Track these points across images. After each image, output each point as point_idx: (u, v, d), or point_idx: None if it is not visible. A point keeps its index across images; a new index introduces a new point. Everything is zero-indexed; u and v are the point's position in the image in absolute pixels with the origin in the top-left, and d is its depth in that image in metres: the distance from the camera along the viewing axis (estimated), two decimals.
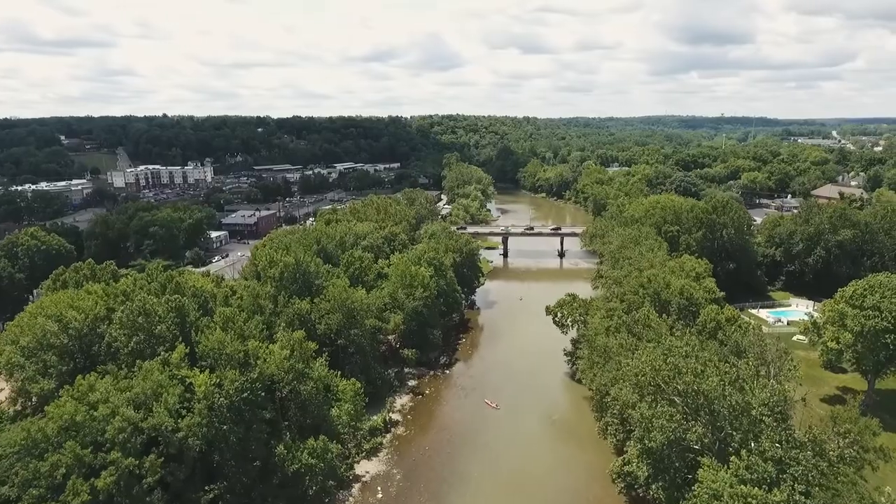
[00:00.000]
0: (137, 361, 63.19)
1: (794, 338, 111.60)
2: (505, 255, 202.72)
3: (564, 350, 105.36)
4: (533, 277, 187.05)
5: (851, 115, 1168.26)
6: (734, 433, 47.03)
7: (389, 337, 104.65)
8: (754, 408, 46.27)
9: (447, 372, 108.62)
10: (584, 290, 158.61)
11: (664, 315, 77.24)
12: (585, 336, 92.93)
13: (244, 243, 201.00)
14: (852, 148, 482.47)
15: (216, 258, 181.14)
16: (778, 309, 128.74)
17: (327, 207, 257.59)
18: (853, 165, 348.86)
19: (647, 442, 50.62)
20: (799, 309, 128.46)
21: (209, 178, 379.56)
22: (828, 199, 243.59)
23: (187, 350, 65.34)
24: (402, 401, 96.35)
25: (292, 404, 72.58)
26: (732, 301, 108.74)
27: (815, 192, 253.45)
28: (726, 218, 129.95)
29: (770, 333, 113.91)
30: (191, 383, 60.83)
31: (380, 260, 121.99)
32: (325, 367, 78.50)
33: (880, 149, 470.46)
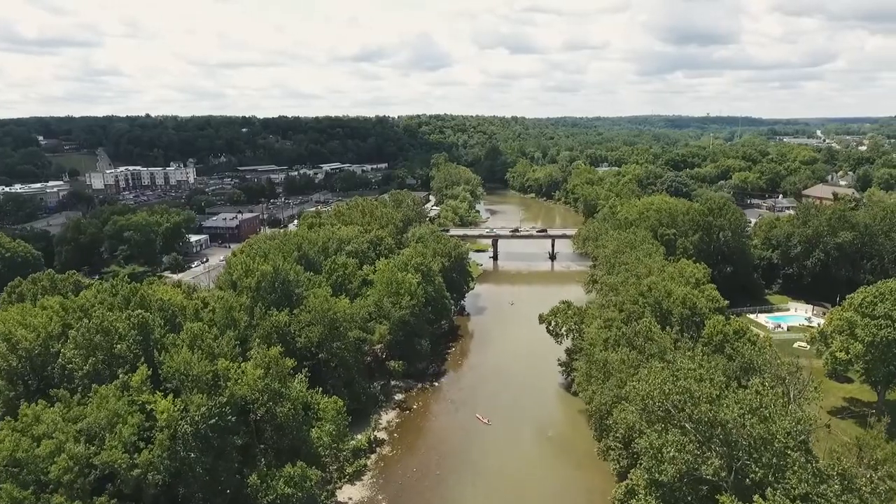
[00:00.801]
0: (94, 385, 57.16)
1: (796, 345, 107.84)
2: (495, 257, 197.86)
3: (559, 360, 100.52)
4: (524, 280, 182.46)
5: (833, 115, 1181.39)
6: (755, 466, 42.21)
7: (375, 348, 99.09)
8: (777, 439, 41.51)
9: (436, 384, 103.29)
10: (577, 294, 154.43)
11: (666, 327, 72.46)
12: (582, 347, 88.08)
13: (226, 247, 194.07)
14: (837, 147, 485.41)
15: (195, 263, 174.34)
16: (776, 314, 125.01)
17: (312, 209, 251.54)
18: (841, 164, 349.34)
19: (656, 474, 45.69)
20: (798, 313, 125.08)
21: (192, 180, 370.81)
22: (820, 199, 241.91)
23: (150, 372, 59.38)
24: (389, 417, 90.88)
25: (268, 427, 66.80)
26: (730, 306, 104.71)
27: (806, 191, 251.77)
28: (723, 220, 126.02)
29: (771, 340, 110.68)
30: (152, 410, 54.97)
31: (365, 266, 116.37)
32: (304, 384, 72.81)
33: (865, 148, 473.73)
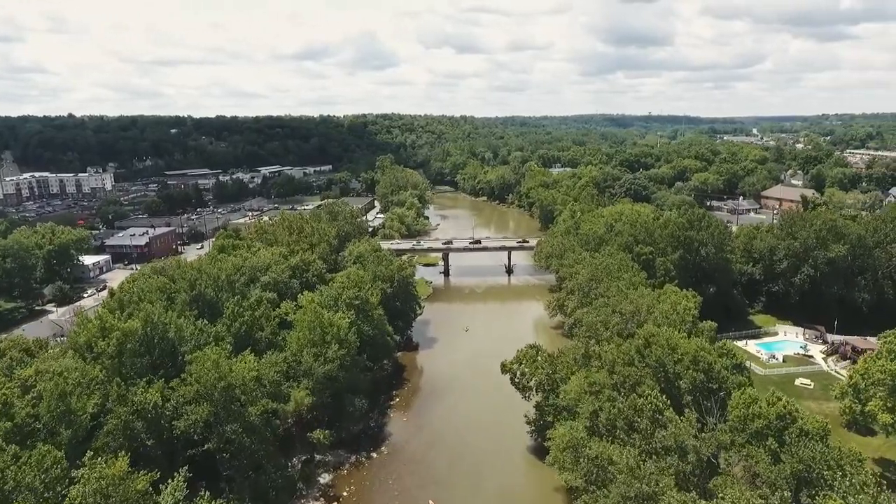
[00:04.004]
0: None
1: (798, 382, 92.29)
2: (446, 273, 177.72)
3: (526, 417, 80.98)
4: (479, 298, 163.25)
5: (763, 114, 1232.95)
6: None
7: (291, 418, 76.52)
8: None
9: (374, 455, 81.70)
10: (537, 311, 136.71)
11: (677, 394, 53.69)
12: (558, 409, 68.84)
13: (132, 269, 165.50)
14: (773, 144, 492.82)
15: (89, 292, 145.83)
16: (765, 339, 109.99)
17: (240, 221, 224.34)
18: (789, 163, 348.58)
19: None
20: (789, 338, 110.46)
21: (108, 187, 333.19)
22: (779, 201, 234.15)
23: None
24: None
25: None
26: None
27: (765, 192, 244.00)
28: (705, 234, 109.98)
29: (768, 377, 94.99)
30: None
31: (285, 302, 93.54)
32: (182, 490, 50.36)
33: (801, 146, 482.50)
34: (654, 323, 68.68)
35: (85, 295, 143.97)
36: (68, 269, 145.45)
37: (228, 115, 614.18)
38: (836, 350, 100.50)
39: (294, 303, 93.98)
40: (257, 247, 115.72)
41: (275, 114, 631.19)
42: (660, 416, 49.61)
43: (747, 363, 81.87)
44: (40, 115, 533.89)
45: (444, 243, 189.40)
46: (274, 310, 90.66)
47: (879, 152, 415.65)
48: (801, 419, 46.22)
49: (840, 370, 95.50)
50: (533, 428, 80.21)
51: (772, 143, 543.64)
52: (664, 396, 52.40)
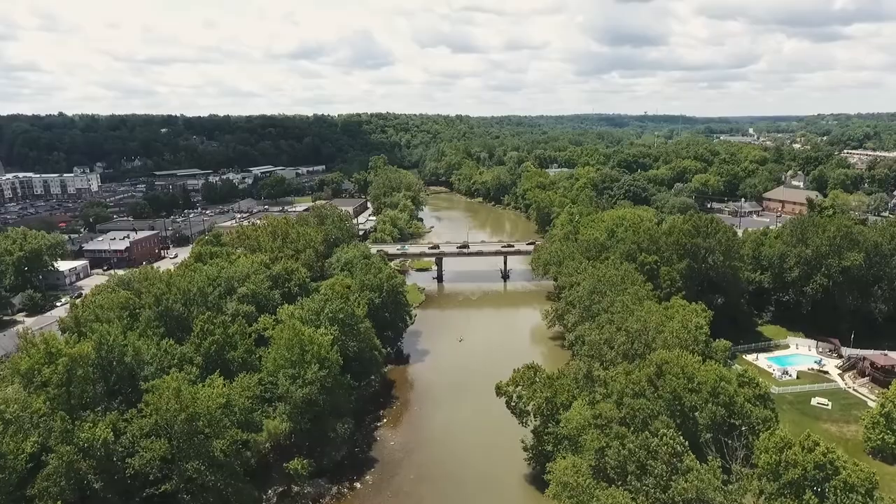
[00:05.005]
0: None
1: (815, 401, 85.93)
2: (440, 279, 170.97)
3: (523, 443, 74.42)
4: (474, 305, 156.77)
5: (757, 114, 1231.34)
6: None
7: (264, 447, 69.71)
8: None
9: (357, 485, 74.99)
10: (534, 319, 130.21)
11: (694, 429, 47.21)
12: (558, 438, 62.35)
13: (112, 275, 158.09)
14: (771, 144, 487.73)
15: (63, 300, 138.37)
16: (776, 353, 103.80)
17: (228, 223, 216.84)
18: (789, 164, 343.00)
19: None
20: (801, 351, 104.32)
21: (95, 188, 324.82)
22: (781, 203, 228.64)
23: None
24: None
25: None
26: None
27: (767, 194, 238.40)
28: (713, 241, 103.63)
29: (782, 396, 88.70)
30: None
31: (263, 316, 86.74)
32: None
33: (798, 146, 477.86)
34: (664, 343, 62.33)
35: (58, 303, 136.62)
36: (40, 277, 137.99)
37: (225, 114, 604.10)
38: (854, 365, 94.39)
39: (273, 316, 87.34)
40: (237, 254, 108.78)
41: (271, 113, 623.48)
42: (677, 461, 43.22)
43: (759, 380, 76.05)
44: (35, 114, 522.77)
45: (430, 247, 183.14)
46: (250, 325, 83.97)
47: (878, 153, 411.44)
48: (845, 469, 39.83)
49: (858, 388, 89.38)
50: (531, 455, 73.76)
51: (769, 142, 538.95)
52: (681, 434, 45.95)
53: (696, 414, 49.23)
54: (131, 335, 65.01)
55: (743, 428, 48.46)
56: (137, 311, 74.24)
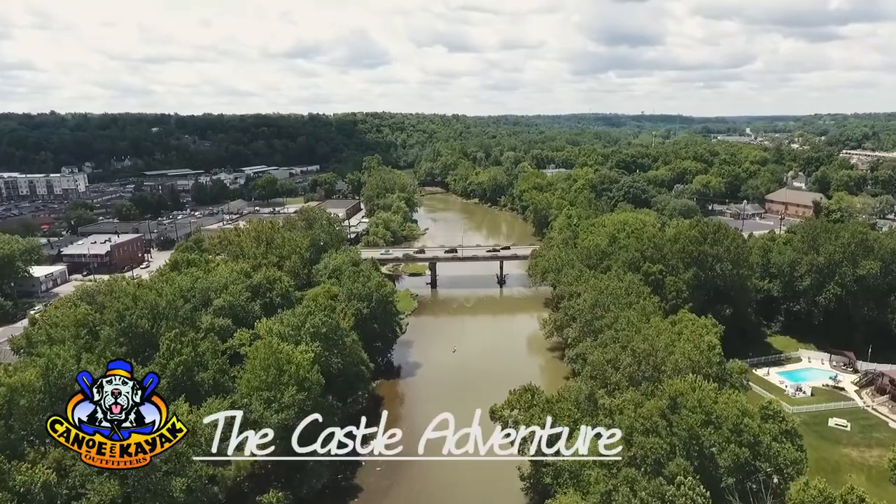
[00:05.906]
0: None
1: (832, 422, 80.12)
2: (433, 285, 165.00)
3: (520, 472, 68.52)
4: (468, 312, 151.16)
5: (754, 114, 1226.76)
6: None
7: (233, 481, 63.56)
8: None
9: None
10: (531, 328, 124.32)
11: (713, 472, 41.20)
12: (558, 471, 56.38)
13: (91, 281, 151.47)
14: (769, 144, 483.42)
15: (38, 307, 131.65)
16: (788, 367, 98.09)
17: (215, 225, 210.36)
18: (790, 164, 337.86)
19: None
20: (814, 365, 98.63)
21: (82, 188, 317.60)
22: (784, 205, 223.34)
23: None
24: None
25: None
26: (727, 356, 75.99)
27: (769, 196, 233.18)
28: (720, 248, 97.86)
29: (797, 415, 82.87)
30: None
31: (239, 331, 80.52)
32: None
33: (797, 146, 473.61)
34: (675, 367, 56.43)
35: (32, 311, 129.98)
36: (12, 284, 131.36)
37: (216, 112, 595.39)
38: (871, 381, 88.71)
39: (252, 331, 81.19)
40: (216, 262, 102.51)
41: (268, 112, 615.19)
42: None
43: (771, 396, 70.33)
44: (31, 112, 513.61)
45: (416, 251, 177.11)
46: (225, 341, 77.78)
47: (878, 153, 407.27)
48: None
49: (878, 407, 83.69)
50: (528, 485, 67.89)
51: (767, 143, 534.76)
52: (699, 481, 40.10)
53: (716, 454, 43.40)
54: (88, 357, 58.73)
55: (769, 470, 42.68)
56: (98, 328, 67.97)
